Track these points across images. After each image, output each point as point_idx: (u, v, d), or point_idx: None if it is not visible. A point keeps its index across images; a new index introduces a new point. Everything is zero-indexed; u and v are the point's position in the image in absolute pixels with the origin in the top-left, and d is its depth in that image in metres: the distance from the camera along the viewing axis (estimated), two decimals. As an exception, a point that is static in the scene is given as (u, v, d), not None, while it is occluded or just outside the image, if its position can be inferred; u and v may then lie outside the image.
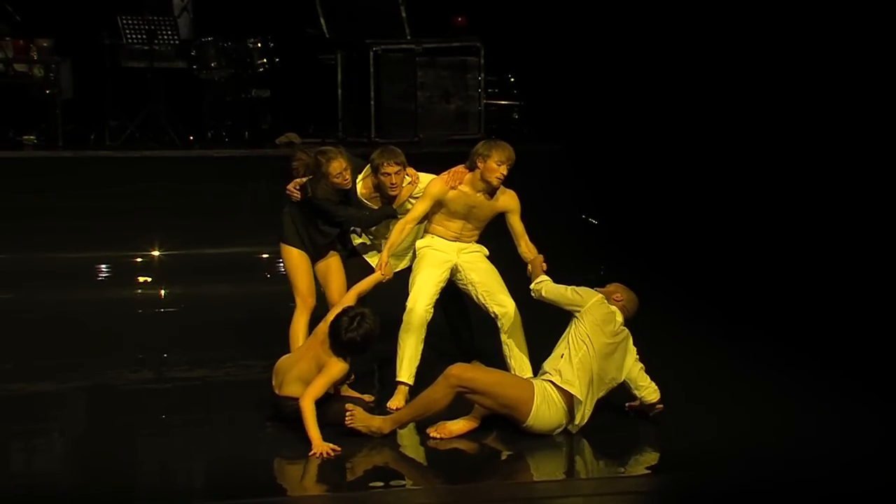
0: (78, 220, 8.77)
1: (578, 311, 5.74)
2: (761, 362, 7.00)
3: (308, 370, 5.69)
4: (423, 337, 6.19)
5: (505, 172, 6.25)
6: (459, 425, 5.71)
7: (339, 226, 6.49)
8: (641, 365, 5.87)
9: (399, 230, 6.30)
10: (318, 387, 5.57)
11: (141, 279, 8.74)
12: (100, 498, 5.01)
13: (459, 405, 5.71)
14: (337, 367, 5.64)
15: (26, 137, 9.63)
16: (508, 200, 6.35)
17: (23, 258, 8.59)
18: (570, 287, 5.89)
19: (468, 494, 5.27)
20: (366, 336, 5.64)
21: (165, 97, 9.94)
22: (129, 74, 10.11)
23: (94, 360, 7.03)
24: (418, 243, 6.43)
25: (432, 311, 6.22)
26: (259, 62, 10.25)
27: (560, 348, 5.73)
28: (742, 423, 5.93)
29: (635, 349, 5.87)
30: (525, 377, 5.93)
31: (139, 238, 8.80)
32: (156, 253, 8.82)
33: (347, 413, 5.60)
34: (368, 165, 6.49)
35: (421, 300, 6.17)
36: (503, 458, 5.66)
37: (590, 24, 10.06)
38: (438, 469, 5.53)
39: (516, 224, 6.32)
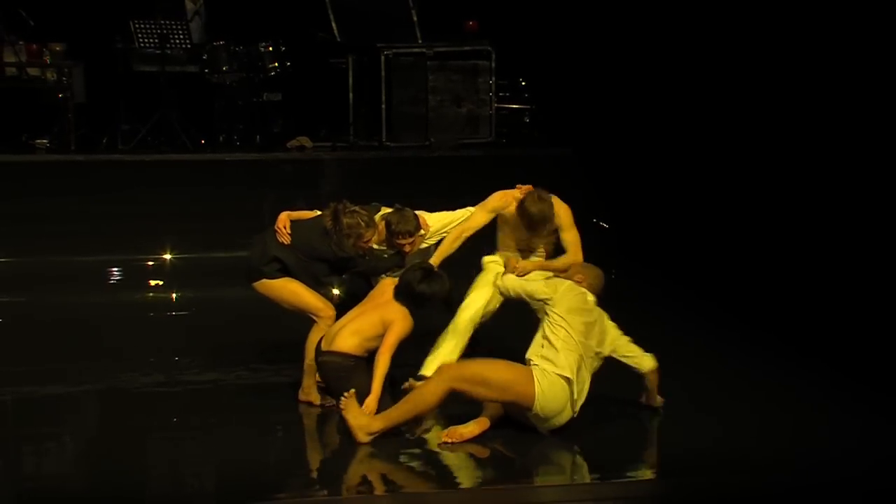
0: (90, 223, 8.79)
1: (549, 303, 5.72)
2: (771, 365, 6.99)
3: (370, 325, 5.73)
4: (463, 344, 6.27)
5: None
6: (470, 428, 5.67)
7: (341, 272, 6.46)
8: (627, 337, 5.88)
9: (455, 237, 6.42)
10: (393, 341, 5.62)
11: (152, 283, 8.78)
12: (111, 501, 5.01)
13: (473, 409, 5.71)
14: (406, 322, 5.67)
15: (39, 141, 9.62)
16: (561, 214, 6.43)
17: (35, 261, 8.62)
18: (533, 280, 5.89)
19: (474, 498, 5.25)
20: (437, 291, 5.71)
21: (177, 101, 9.93)
22: (142, 78, 10.11)
23: (105, 363, 7.05)
24: (486, 257, 6.54)
25: (478, 319, 6.32)
26: (270, 66, 10.25)
27: (538, 338, 5.70)
28: (752, 427, 5.91)
29: (614, 324, 5.87)
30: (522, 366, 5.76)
31: (151, 242, 8.82)
32: (167, 256, 8.85)
33: (343, 398, 5.53)
34: (380, 212, 6.45)
35: (468, 310, 6.31)
36: (510, 461, 5.64)
37: (600, 29, 10.07)
38: (448, 473, 5.52)
39: (564, 238, 6.42)
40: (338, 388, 5.69)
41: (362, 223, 6.17)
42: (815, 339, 7.40)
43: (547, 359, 5.59)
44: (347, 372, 5.75)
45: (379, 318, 5.74)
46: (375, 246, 6.42)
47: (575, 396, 5.61)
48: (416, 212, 6.53)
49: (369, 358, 5.78)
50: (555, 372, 5.56)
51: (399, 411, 5.60)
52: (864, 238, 8.03)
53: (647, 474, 5.60)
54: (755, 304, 8.28)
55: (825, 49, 8.28)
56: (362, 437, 5.53)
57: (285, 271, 6.27)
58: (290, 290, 6.28)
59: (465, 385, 5.48)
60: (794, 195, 8.59)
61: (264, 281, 6.30)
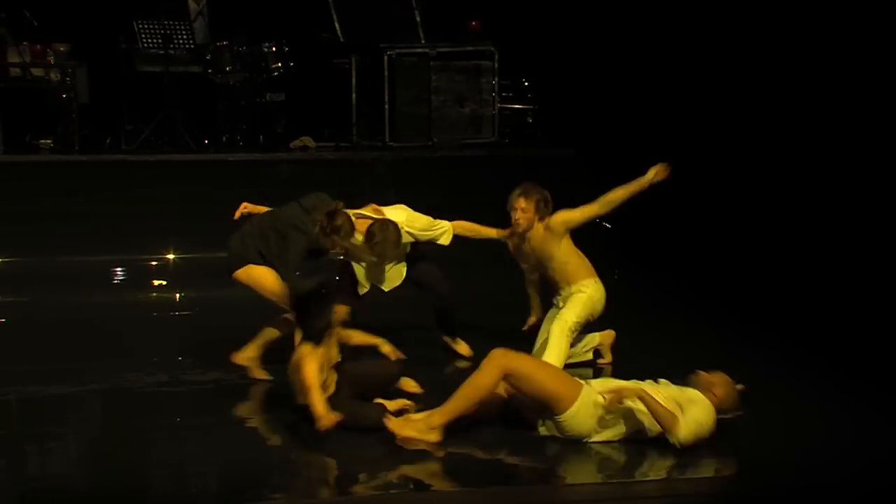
0: (94, 223, 8.83)
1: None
2: (771, 364, 6.98)
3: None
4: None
5: (515, 216, 6.74)
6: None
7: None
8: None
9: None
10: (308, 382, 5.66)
11: (156, 282, 8.83)
12: (114, 500, 5.01)
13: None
14: (307, 361, 5.65)
15: (43, 141, 9.69)
16: (553, 226, 6.73)
17: (39, 261, 8.67)
18: (669, 395, 5.53)
19: (481, 499, 5.25)
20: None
21: (181, 101, 9.99)
22: (145, 79, 10.19)
23: (109, 362, 7.06)
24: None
25: None
26: (274, 66, 10.31)
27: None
28: (751, 427, 5.89)
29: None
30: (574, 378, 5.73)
31: (154, 242, 8.88)
32: (171, 256, 8.90)
33: (391, 423, 5.52)
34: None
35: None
36: (511, 462, 5.59)
37: (603, 30, 10.09)
38: (452, 473, 5.47)
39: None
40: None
41: (348, 230, 6.38)
42: (819, 337, 7.41)
43: (604, 416, 5.55)
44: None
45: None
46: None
47: (597, 434, 5.57)
48: (398, 207, 6.83)
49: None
50: (600, 404, 5.53)
51: (456, 402, 5.56)
52: (863, 234, 8.04)
53: (648, 475, 5.59)
54: (757, 304, 8.28)
55: (829, 52, 8.29)
56: (433, 438, 5.51)
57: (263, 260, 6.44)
58: (274, 279, 6.41)
59: (513, 374, 5.50)
60: (794, 193, 8.59)
61: (249, 267, 6.44)
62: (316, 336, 5.74)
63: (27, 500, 5.10)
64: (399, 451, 5.54)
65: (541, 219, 6.77)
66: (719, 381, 5.61)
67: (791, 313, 7.96)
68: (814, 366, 6.92)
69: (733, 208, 9.06)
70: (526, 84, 10.86)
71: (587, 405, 5.52)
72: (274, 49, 10.28)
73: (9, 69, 9.69)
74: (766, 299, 8.32)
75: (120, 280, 8.81)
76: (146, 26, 9.87)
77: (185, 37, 9.97)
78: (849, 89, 8.20)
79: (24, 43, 9.69)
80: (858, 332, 7.43)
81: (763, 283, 8.54)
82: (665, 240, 9.34)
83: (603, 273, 7.35)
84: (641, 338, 7.39)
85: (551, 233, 6.74)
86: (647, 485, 5.37)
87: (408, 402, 6.06)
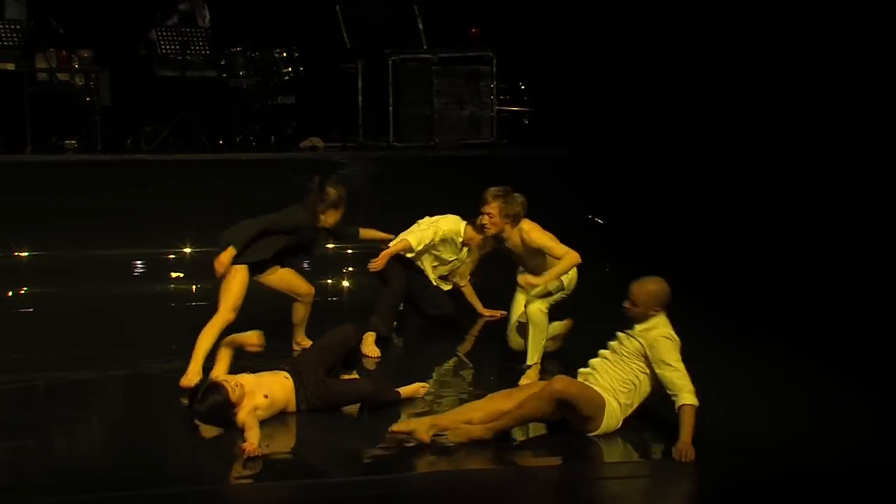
0: (115, 219, 8.84)
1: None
2: (759, 354, 7.04)
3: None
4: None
5: (482, 220, 6.62)
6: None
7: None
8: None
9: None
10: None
11: (174, 275, 8.81)
12: (136, 479, 5.09)
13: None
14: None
15: (68, 142, 9.73)
16: (534, 236, 6.56)
17: (64, 255, 8.68)
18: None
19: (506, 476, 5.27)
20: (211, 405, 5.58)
21: (197, 104, 10.03)
22: (164, 83, 10.21)
23: (129, 350, 7.13)
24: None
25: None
26: (284, 71, 10.34)
27: (625, 377, 5.59)
28: (739, 412, 5.96)
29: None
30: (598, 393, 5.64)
31: (172, 236, 8.85)
32: (187, 250, 8.87)
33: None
34: None
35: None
36: (515, 445, 5.60)
37: (596, 35, 10.09)
38: (465, 456, 5.43)
39: (554, 252, 6.53)
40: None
41: (338, 199, 6.65)
42: (813, 331, 7.42)
43: (629, 405, 5.61)
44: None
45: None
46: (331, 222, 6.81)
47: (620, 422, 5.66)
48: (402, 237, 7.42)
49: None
50: (622, 415, 5.61)
51: (510, 420, 5.48)
52: (860, 229, 8.01)
53: (632, 457, 5.61)
54: (744, 293, 8.32)
55: (825, 49, 8.20)
56: (479, 432, 5.50)
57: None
58: (241, 280, 6.59)
59: (566, 402, 5.47)
60: (789, 188, 8.54)
61: (244, 265, 6.61)
62: None
63: (54, 478, 5.18)
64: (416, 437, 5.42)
65: (512, 225, 6.59)
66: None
67: (788, 306, 7.95)
68: (808, 357, 6.92)
69: (724, 203, 9.02)
70: (523, 87, 10.89)
71: (611, 416, 5.58)
72: (285, 55, 10.30)
73: (37, 74, 9.74)
74: (758, 292, 8.30)
75: (140, 272, 8.79)
76: (165, 34, 9.94)
77: (201, 44, 10.04)
78: (848, 89, 8.09)
79: (51, 49, 9.73)
80: (858, 326, 7.41)
81: (757, 278, 8.49)
82: (656, 235, 9.33)
83: (595, 265, 7.46)
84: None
85: (527, 239, 6.59)
86: (627, 466, 5.41)
87: (422, 384, 6.17)
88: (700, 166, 9.24)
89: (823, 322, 7.56)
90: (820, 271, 8.17)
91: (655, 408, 5.68)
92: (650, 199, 9.67)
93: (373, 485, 5.08)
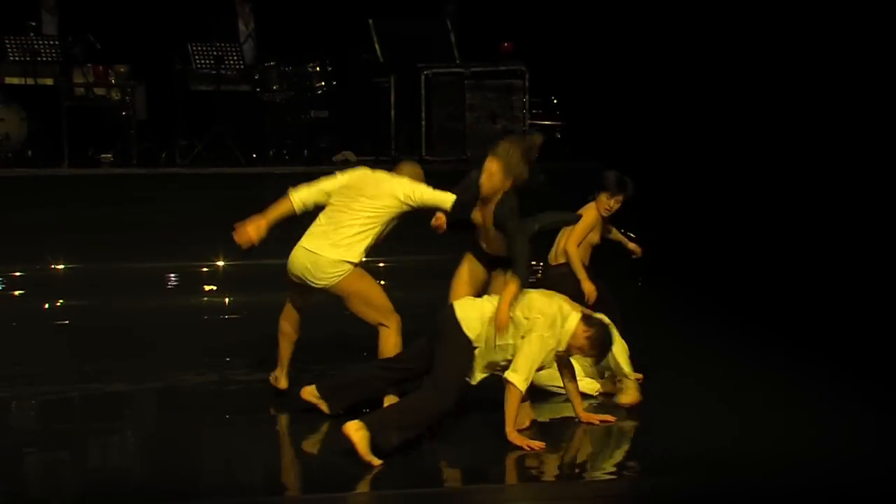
0: (149, 232, 8.88)
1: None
2: (779, 365, 6.98)
3: None
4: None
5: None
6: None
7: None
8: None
9: None
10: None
11: (207, 288, 8.85)
12: (170, 492, 5.10)
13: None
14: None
15: (104, 155, 9.81)
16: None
17: (98, 267, 8.72)
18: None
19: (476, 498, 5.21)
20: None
21: (231, 118, 10.08)
22: (198, 97, 10.25)
23: (163, 362, 7.16)
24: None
25: None
26: (318, 85, 10.37)
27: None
28: (737, 425, 5.90)
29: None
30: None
31: (205, 249, 8.86)
32: (220, 263, 8.90)
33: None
34: None
35: None
36: (490, 461, 5.56)
37: (629, 50, 10.10)
38: (472, 471, 5.46)
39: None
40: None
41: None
42: (826, 339, 7.38)
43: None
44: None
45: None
46: None
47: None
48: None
49: None
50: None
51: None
52: (865, 234, 8.02)
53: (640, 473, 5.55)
54: (768, 307, 8.25)
55: (854, 62, 8.24)
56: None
57: None
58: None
59: None
60: (801, 197, 8.55)
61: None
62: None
63: (88, 491, 5.20)
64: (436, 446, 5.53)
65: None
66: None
67: (804, 317, 7.90)
68: (824, 364, 6.88)
69: (757, 220, 9.02)
70: (555, 101, 10.87)
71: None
72: (318, 69, 10.33)
73: (74, 89, 9.86)
74: (778, 303, 8.25)
75: (173, 285, 8.84)
76: (199, 48, 9.97)
77: (235, 58, 10.08)
78: (859, 97, 8.13)
79: (88, 65, 9.84)
80: (866, 331, 7.38)
81: (779, 293, 8.46)
82: (688, 249, 9.28)
83: (627, 279, 7.38)
84: (654, 339, 7.32)
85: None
86: (627, 483, 5.31)
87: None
88: (733, 181, 9.17)
89: (845, 330, 7.49)
90: (839, 276, 8.11)
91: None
92: (680, 213, 9.60)
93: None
